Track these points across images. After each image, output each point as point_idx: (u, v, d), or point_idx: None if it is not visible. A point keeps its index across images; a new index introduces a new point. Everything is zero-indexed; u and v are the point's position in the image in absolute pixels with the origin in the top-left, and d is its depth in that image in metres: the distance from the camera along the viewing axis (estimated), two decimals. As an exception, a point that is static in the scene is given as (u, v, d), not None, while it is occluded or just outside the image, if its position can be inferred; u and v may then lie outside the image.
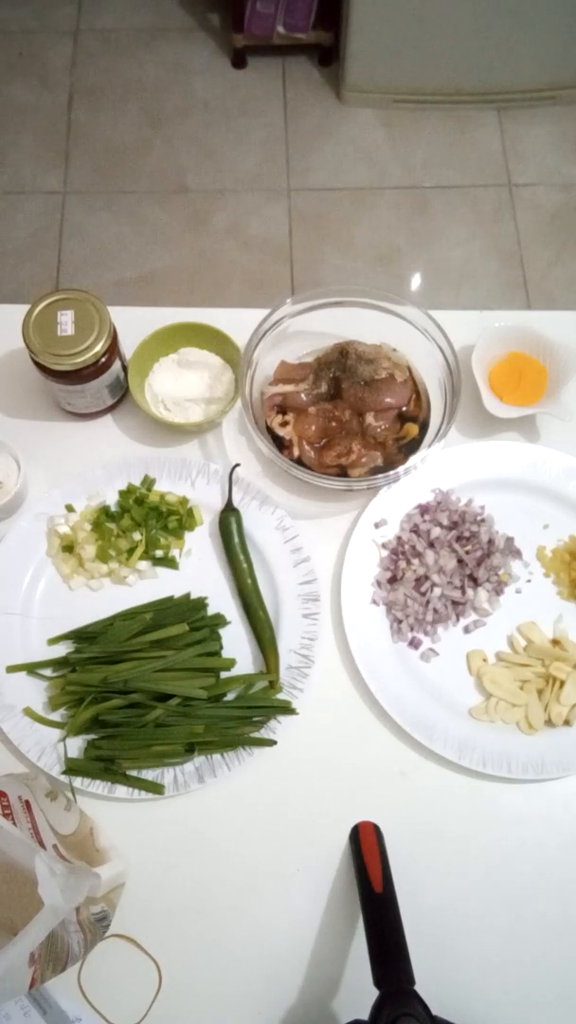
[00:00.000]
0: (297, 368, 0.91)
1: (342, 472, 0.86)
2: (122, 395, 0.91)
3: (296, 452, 0.87)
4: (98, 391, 0.85)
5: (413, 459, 0.82)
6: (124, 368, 0.88)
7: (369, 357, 0.89)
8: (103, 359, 0.81)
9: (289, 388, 0.89)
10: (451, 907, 0.75)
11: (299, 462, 0.86)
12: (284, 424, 0.88)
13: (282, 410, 0.89)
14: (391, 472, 0.82)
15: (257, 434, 0.82)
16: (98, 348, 0.80)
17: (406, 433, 0.88)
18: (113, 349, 0.83)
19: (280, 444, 0.88)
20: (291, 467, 0.82)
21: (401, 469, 0.82)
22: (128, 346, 0.89)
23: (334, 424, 0.87)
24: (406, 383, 0.89)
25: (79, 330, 0.79)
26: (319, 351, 0.92)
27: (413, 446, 0.87)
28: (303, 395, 0.89)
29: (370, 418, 0.87)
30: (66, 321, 0.80)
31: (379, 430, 0.87)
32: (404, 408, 0.88)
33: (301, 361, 0.92)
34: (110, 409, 0.91)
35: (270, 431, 0.88)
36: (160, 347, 0.91)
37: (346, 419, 0.87)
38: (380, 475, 0.83)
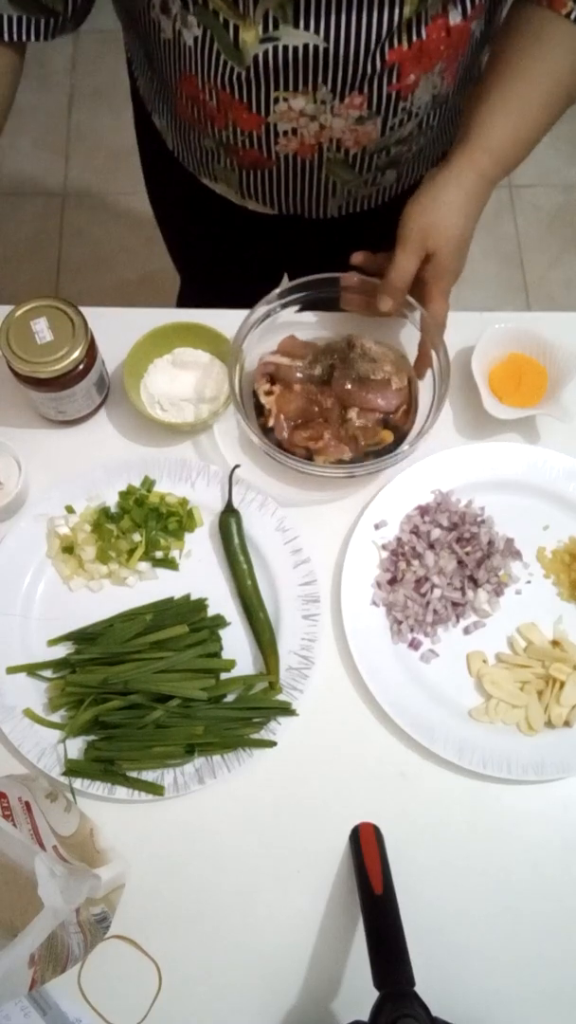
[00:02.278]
0: (302, 345, 0.91)
1: (308, 455, 0.86)
2: (107, 390, 0.91)
3: (271, 422, 0.87)
4: (87, 390, 0.86)
5: (408, 440, 0.82)
6: (102, 361, 0.88)
7: (373, 356, 0.88)
8: (87, 355, 0.81)
9: (285, 360, 0.89)
10: (451, 908, 0.75)
11: (270, 432, 0.86)
12: (269, 393, 0.88)
13: (272, 380, 0.89)
14: (387, 456, 0.82)
15: (244, 415, 0.83)
16: (82, 344, 0.80)
17: (381, 439, 0.87)
18: (93, 343, 0.83)
19: (260, 411, 0.88)
20: (276, 452, 0.83)
21: (397, 454, 0.82)
22: (124, 348, 0.89)
23: (315, 408, 0.87)
24: (400, 391, 0.88)
25: (57, 333, 0.79)
26: (330, 339, 0.92)
27: (381, 454, 0.87)
28: (297, 372, 0.89)
29: (353, 413, 0.87)
30: (41, 328, 0.79)
31: (357, 427, 0.87)
32: (391, 416, 0.88)
33: (312, 341, 0.92)
34: (100, 407, 0.91)
35: (255, 397, 0.89)
36: (155, 348, 0.91)
37: (327, 407, 0.87)
38: (386, 456, 0.83)
